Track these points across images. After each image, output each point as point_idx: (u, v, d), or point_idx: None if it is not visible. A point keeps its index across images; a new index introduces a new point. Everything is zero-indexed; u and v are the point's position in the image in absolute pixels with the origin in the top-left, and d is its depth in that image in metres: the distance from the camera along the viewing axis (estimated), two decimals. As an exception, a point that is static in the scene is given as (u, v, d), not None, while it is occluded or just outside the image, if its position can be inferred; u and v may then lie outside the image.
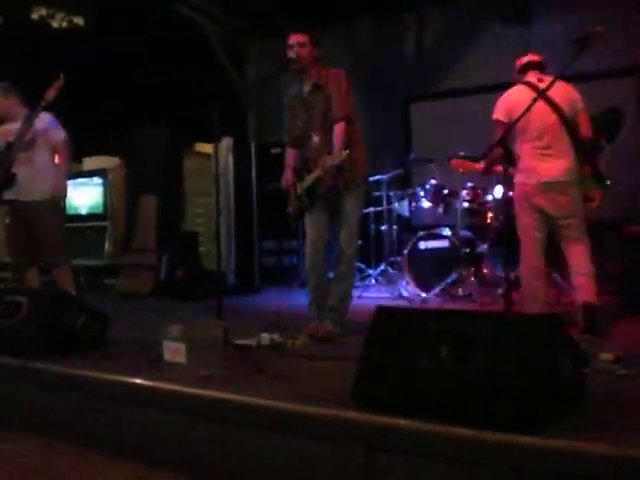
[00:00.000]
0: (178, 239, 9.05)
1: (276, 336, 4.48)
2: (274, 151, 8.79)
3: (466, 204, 7.18)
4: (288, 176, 5.11)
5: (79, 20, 8.34)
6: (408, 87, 9.91)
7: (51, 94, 5.74)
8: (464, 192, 7.16)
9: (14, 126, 5.91)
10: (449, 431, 2.48)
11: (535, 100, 4.23)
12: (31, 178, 5.88)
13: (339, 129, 4.77)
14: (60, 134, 6.01)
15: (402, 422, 2.59)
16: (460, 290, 6.89)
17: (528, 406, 2.40)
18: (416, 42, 9.99)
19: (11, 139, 5.84)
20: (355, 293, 5.81)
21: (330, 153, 4.71)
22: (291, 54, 4.84)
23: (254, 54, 11.29)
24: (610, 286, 6.59)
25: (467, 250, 7.01)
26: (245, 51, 11.41)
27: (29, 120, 5.79)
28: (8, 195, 5.90)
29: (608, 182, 5.08)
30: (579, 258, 4.73)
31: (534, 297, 4.72)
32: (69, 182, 6.69)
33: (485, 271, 7.02)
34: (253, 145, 9.72)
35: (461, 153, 6.91)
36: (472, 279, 6.84)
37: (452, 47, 9.56)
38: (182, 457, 3.24)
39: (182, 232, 9.42)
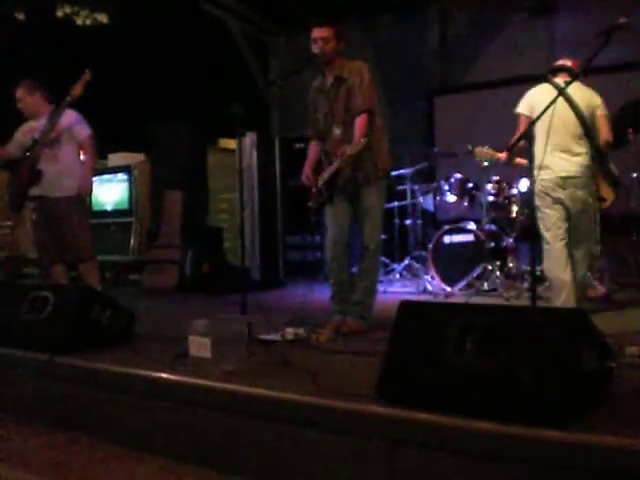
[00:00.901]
0: (203, 234, 9.07)
1: (300, 331, 4.48)
2: (298, 146, 8.78)
3: (491, 198, 7.14)
4: (307, 171, 5.08)
5: (103, 17, 8.38)
6: (431, 81, 9.87)
7: (77, 90, 5.77)
8: (489, 186, 7.12)
9: (39, 123, 5.97)
10: (473, 426, 2.47)
11: (555, 99, 4.24)
12: (57, 174, 5.93)
13: (361, 120, 4.76)
14: (85, 131, 6.05)
15: (426, 416, 2.59)
16: (485, 284, 6.85)
17: (553, 400, 2.39)
18: (440, 35, 9.94)
19: (36, 136, 5.89)
20: (380, 288, 5.79)
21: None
22: (315, 49, 4.81)
23: (277, 49, 11.29)
24: (636, 280, 6.56)
25: (492, 244, 6.98)
26: (268, 46, 11.41)
27: (55, 117, 5.83)
28: (34, 191, 5.96)
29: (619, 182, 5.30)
30: (579, 264, 4.97)
31: (563, 285, 4.81)
32: (94, 178, 6.85)
33: (510, 265, 6.98)
34: (277, 140, 9.71)
35: (485, 147, 6.88)
36: (497, 273, 6.80)
37: (475, 40, 9.50)
38: (208, 451, 3.25)
39: (207, 227, 9.45)
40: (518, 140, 4.63)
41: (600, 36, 4.06)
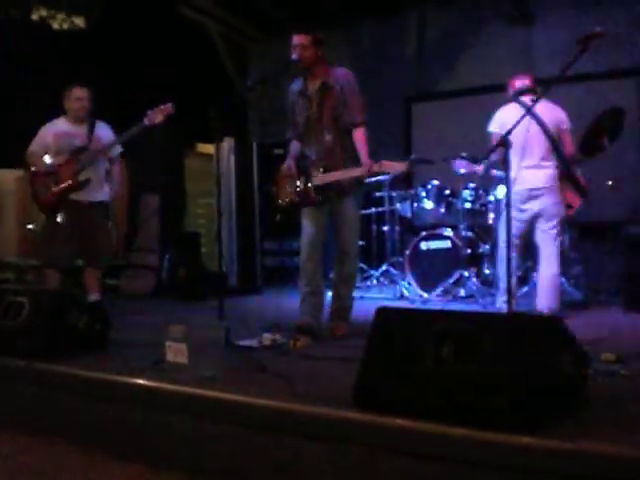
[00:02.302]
0: (180, 240, 9.05)
1: (278, 336, 4.49)
2: (276, 152, 8.77)
3: (468, 204, 7.19)
4: (291, 164, 5.06)
5: (80, 21, 8.33)
6: (409, 87, 9.89)
7: (157, 119, 5.92)
8: (466, 192, 7.17)
9: (78, 130, 6.17)
10: (450, 432, 2.48)
11: (523, 117, 4.58)
12: (95, 183, 6.14)
13: (362, 135, 4.86)
14: (118, 148, 6.31)
15: (403, 422, 2.60)
16: (462, 291, 6.89)
17: (529, 407, 2.41)
18: (417, 42, 9.97)
19: (77, 143, 6.08)
20: (357, 294, 5.81)
21: (346, 154, 4.87)
22: (294, 55, 4.83)
23: (256, 55, 11.28)
24: (612, 286, 6.62)
25: (469, 251, 7.01)
26: (247, 51, 11.40)
27: (128, 134, 6.05)
28: (72, 196, 6.08)
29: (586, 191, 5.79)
30: (547, 265, 5.49)
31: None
32: None
33: (487, 272, 7.02)
34: (255, 146, 9.70)
35: (463, 154, 6.92)
36: (474, 280, 6.84)
37: (454, 47, 9.54)
38: (185, 457, 3.24)
39: (184, 233, 9.43)
40: (488, 155, 5.28)
41: (576, 45, 4.11)
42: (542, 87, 4.77)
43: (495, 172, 6.24)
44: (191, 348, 3.66)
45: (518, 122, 4.39)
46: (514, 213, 5.07)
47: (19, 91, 8.37)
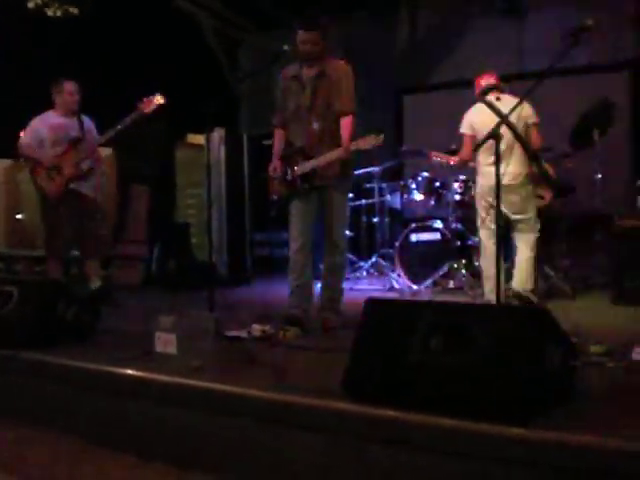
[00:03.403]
0: (170, 230, 9.02)
1: (267, 327, 4.49)
2: (266, 143, 8.71)
3: (457, 196, 7.19)
4: (276, 163, 5.08)
5: (74, 9, 8.32)
6: (401, 79, 9.90)
7: (148, 109, 5.98)
8: (456, 184, 7.17)
9: (69, 121, 6.26)
10: (440, 422, 2.49)
11: (499, 124, 4.51)
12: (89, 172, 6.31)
13: (349, 122, 4.87)
14: (98, 139, 6.35)
15: (392, 413, 2.61)
16: (451, 282, 6.91)
17: (516, 397, 2.42)
18: (409, 34, 9.98)
19: (73, 134, 6.20)
20: (346, 285, 5.82)
21: (333, 143, 4.83)
22: (304, 49, 4.85)
23: (247, 46, 11.25)
24: (600, 278, 6.64)
25: (458, 242, 7.03)
26: (238, 43, 11.37)
27: (124, 123, 6.05)
28: (72, 185, 6.19)
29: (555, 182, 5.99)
30: (522, 250, 5.65)
31: (489, 277, 5.53)
32: None
33: (476, 264, 7.03)
34: (245, 137, 9.67)
35: (453, 147, 6.93)
36: (463, 271, 6.85)
37: (445, 39, 9.56)
38: (174, 448, 3.25)
39: (174, 223, 9.39)
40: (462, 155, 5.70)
41: (567, 38, 4.11)
42: (533, 80, 4.78)
43: (472, 164, 6.26)
44: (180, 338, 3.65)
45: (500, 123, 4.41)
46: (483, 206, 5.64)
47: (6, 81, 8.34)
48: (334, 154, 4.78)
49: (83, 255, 6.51)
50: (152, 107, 5.96)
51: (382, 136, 4.67)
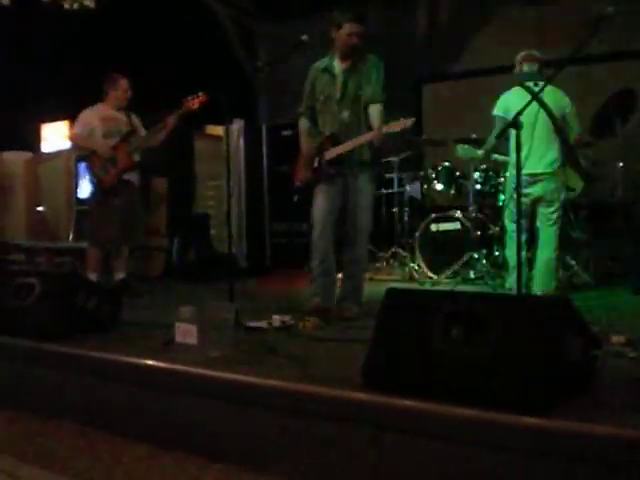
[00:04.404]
0: (189, 222, 9.05)
1: (287, 318, 4.49)
2: (285, 133, 8.76)
3: (478, 186, 7.16)
4: (311, 152, 5.09)
5: (90, 2, 8.33)
6: (420, 68, 9.84)
7: (193, 106, 6.23)
8: (476, 174, 7.14)
9: (119, 115, 6.61)
10: (458, 412, 2.48)
11: (529, 103, 4.44)
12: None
13: (377, 110, 4.90)
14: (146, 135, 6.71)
15: (411, 403, 2.60)
16: (471, 272, 6.88)
17: (537, 388, 2.40)
18: (428, 23, 9.92)
19: (123, 128, 6.53)
20: (366, 275, 5.81)
21: (361, 131, 4.88)
22: (351, 42, 4.91)
23: (265, 36, 11.23)
24: (622, 269, 6.59)
25: (478, 232, 6.99)
26: (256, 33, 11.36)
27: (169, 120, 6.39)
28: (125, 176, 6.52)
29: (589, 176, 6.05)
30: (544, 248, 5.61)
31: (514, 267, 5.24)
32: (80, 164, 7.86)
33: (497, 253, 7.00)
34: (264, 127, 9.69)
35: (473, 136, 6.89)
36: (483, 261, 6.82)
37: (464, 28, 9.49)
38: (194, 438, 3.26)
39: (193, 215, 9.42)
40: (500, 136, 5.39)
41: (588, 25, 4.07)
42: (552, 69, 4.73)
43: (496, 156, 6.35)
44: (200, 329, 3.66)
45: (525, 107, 4.35)
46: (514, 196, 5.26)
47: (27, 74, 8.40)
48: (367, 136, 4.82)
49: (124, 243, 6.67)
50: (197, 104, 6.18)
51: (413, 119, 4.68)
